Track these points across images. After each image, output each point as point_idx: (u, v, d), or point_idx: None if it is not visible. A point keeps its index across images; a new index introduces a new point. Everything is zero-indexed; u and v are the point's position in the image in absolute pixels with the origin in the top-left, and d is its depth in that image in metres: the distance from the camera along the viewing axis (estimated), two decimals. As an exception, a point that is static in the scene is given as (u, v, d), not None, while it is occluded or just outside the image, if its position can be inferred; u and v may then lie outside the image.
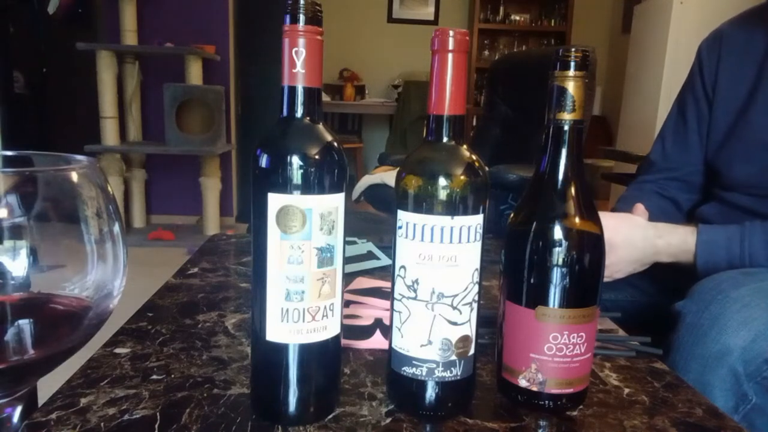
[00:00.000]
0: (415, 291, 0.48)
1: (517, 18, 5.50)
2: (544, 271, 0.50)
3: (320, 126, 0.47)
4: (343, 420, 0.49)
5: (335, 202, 0.46)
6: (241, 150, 3.85)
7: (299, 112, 0.46)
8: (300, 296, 0.46)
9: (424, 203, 0.47)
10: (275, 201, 0.45)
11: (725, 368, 0.67)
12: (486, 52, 5.56)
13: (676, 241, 0.84)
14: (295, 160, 0.45)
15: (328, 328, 0.47)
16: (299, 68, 0.45)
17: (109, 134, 3.16)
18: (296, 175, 0.45)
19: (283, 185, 0.45)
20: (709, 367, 0.68)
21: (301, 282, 0.46)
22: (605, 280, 0.65)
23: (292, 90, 0.46)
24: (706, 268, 0.81)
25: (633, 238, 0.84)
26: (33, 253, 0.31)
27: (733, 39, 1.00)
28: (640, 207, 0.90)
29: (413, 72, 5.21)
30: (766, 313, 0.68)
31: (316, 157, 0.45)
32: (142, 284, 0.84)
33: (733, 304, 0.69)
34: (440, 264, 0.47)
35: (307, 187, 0.45)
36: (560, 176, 0.51)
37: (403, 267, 0.48)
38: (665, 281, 0.99)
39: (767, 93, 0.93)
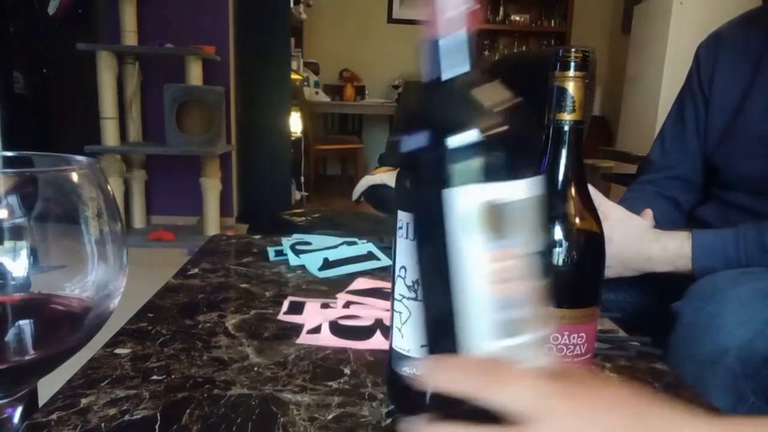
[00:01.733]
0: (415, 291, 0.48)
1: (517, 18, 5.50)
2: (544, 271, 0.50)
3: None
4: (343, 420, 0.49)
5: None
6: (241, 150, 3.85)
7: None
8: (520, 326, 0.32)
9: (425, 203, 0.47)
10: (471, 195, 0.31)
11: (723, 368, 0.67)
12: (486, 52, 5.56)
13: (672, 245, 0.83)
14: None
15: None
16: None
17: (109, 135, 3.16)
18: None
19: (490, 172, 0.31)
20: (707, 366, 0.68)
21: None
22: None
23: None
24: (704, 274, 0.81)
25: (630, 237, 0.83)
26: (33, 253, 0.32)
27: (730, 39, 1.01)
28: (648, 213, 0.90)
29: (413, 72, 5.20)
30: (764, 313, 0.68)
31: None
32: (142, 285, 0.84)
33: (731, 303, 0.69)
34: (440, 264, 0.47)
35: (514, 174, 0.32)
36: (560, 176, 0.51)
37: (403, 267, 0.48)
38: (665, 281, 0.99)
39: (763, 90, 0.93)
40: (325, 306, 0.73)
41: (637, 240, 0.83)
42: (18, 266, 0.31)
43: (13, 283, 0.32)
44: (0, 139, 2.31)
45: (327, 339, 0.65)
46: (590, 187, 0.83)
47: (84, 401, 0.51)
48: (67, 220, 0.33)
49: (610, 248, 0.81)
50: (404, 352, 0.49)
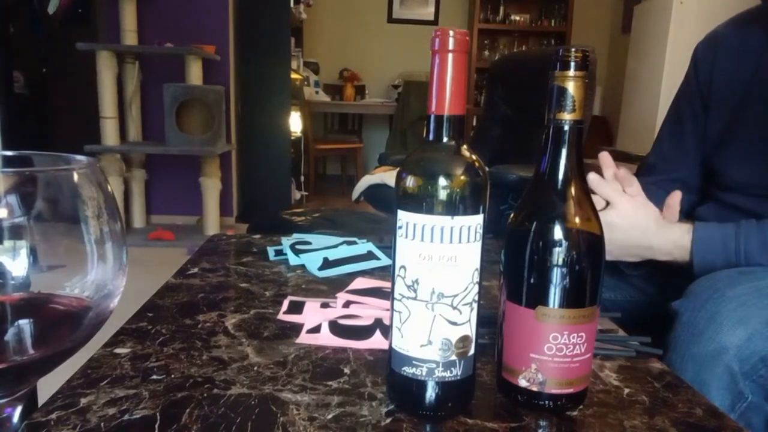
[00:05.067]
0: (415, 291, 0.48)
1: (517, 18, 5.50)
2: (544, 271, 0.50)
3: None
4: (343, 420, 0.49)
5: None
6: (241, 150, 3.85)
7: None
8: None
9: (424, 203, 0.47)
10: None
11: (721, 367, 0.67)
12: (486, 52, 5.56)
13: (672, 237, 0.84)
14: None
15: None
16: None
17: (109, 134, 3.16)
18: None
19: None
20: (706, 365, 0.68)
21: None
22: None
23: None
24: (702, 266, 0.81)
25: (635, 227, 0.84)
26: (33, 253, 0.31)
27: (728, 40, 1.00)
28: (676, 197, 0.88)
29: (413, 72, 5.20)
30: (762, 312, 0.68)
31: None
32: (142, 284, 0.84)
33: (729, 302, 0.70)
34: (440, 264, 0.47)
35: None
36: (560, 176, 0.51)
37: (403, 267, 0.48)
38: (665, 281, 0.99)
39: (763, 93, 0.93)
40: (324, 306, 0.73)
41: (640, 230, 0.84)
42: (18, 266, 0.31)
43: (12, 282, 0.32)
44: (0, 139, 2.30)
45: (327, 338, 0.65)
46: (595, 176, 0.86)
47: (83, 401, 0.51)
48: (66, 220, 0.33)
49: (613, 234, 0.82)
50: (404, 352, 0.49)
